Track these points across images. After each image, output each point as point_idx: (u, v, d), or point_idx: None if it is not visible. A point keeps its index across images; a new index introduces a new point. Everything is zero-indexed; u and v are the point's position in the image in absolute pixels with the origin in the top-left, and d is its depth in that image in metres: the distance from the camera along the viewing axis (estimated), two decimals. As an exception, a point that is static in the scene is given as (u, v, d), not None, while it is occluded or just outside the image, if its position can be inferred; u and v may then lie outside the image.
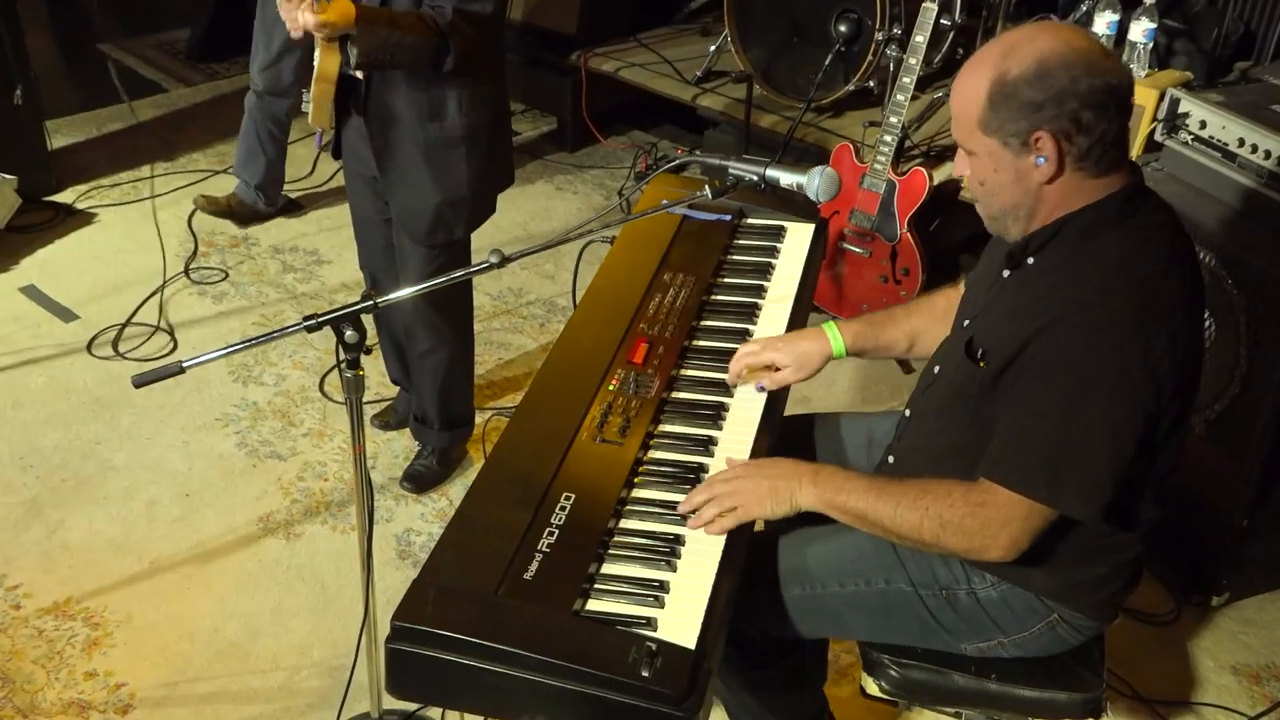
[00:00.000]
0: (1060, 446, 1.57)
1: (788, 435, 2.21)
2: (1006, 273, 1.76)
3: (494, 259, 1.70)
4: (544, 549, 1.58)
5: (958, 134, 1.65)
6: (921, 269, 3.43)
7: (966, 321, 1.82)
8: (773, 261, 2.38)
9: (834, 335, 2.04)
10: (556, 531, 1.61)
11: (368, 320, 3.55)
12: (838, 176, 1.82)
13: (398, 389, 3.28)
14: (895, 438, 1.99)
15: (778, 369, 2.01)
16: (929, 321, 2.04)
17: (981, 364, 1.70)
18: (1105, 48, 1.60)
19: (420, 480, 3.04)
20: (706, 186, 1.82)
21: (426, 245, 2.71)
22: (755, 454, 1.85)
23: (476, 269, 1.73)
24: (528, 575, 1.54)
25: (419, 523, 2.95)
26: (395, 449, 3.20)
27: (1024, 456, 1.60)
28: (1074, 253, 1.64)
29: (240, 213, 4.17)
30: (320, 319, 1.68)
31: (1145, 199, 1.66)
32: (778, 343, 2.03)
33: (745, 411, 1.94)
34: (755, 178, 1.84)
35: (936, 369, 1.89)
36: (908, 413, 1.96)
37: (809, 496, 1.71)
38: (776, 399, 2.01)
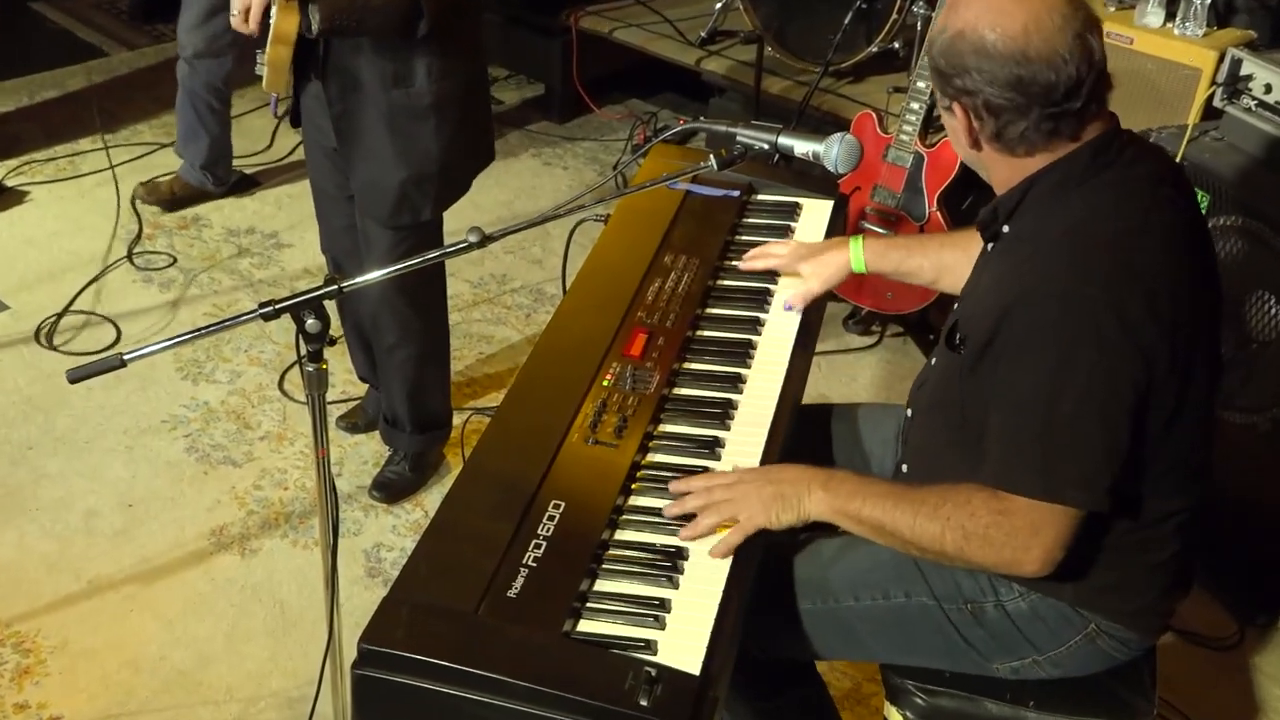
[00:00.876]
0: (1047, 437, 1.59)
1: (801, 427, 2.22)
2: (989, 246, 1.79)
3: (472, 238, 1.69)
4: (530, 563, 1.58)
5: None
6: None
7: (956, 305, 1.85)
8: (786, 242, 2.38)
9: (856, 247, 2.13)
10: (544, 544, 1.61)
11: (332, 310, 3.57)
12: (859, 144, 1.82)
13: (366, 387, 3.28)
14: (901, 440, 1.99)
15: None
16: (964, 257, 2.07)
17: (960, 351, 1.72)
18: (1066, 24, 1.59)
19: (391, 489, 3.05)
20: (711, 157, 1.82)
21: (390, 227, 2.71)
22: (767, 459, 1.85)
23: (453, 249, 1.73)
24: (512, 593, 1.54)
25: (390, 536, 2.95)
26: (363, 454, 3.20)
27: (1016, 455, 1.61)
28: (1043, 215, 1.67)
29: (184, 197, 4.15)
30: (279, 306, 1.68)
31: (1120, 150, 1.67)
32: (800, 249, 2.18)
33: (756, 410, 1.94)
34: (766, 146, 1.84)
35: (934, 360, 1.90)
36: (909, 411, 1.98)
37: (819, 504, 1.72)
38: (791, 395, 2.01)
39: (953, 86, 1.64)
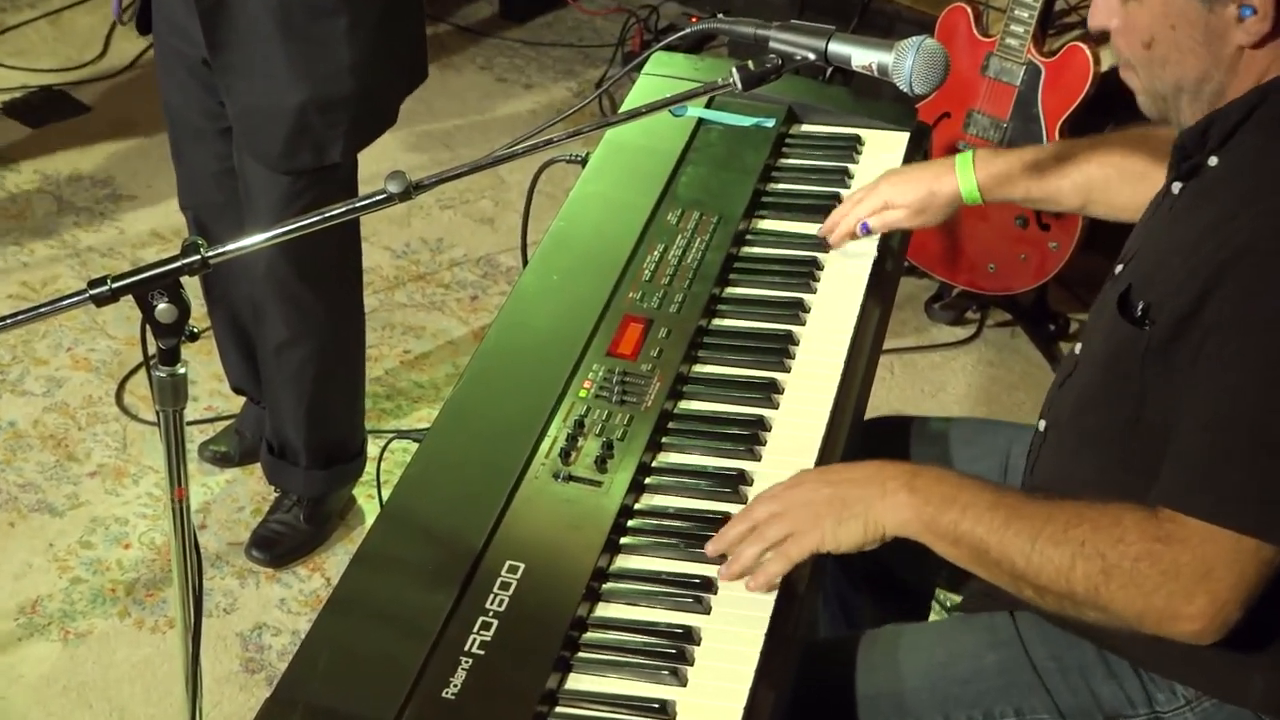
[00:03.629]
0: (1262, 447, 1.60)
1: (866, 451, 2.24)
2: (1177, 186, 1.80)
3: (392, 187, 1.70)
4: (475, 651, 1.58)
5: None
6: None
7: (1120, 267, 1.86)
8: (842, 193, 2.39)
9: (965, 172, 2.19)
10: (495, 623, 1.61)
11: (195, 289, 3.56)
12: (944, 53, 1.83)
13: (242, 402, 3.30)
14: (1027, 468, 2.01)
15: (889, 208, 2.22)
16: (1119, 174, 2.08)
17: (1146, 326, 1.73)
18: None
19: (278, 547, 3.06)
20: (734, 70, 1.83)
21: (284, 171, 2.73)
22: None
23: (365, 203, 1.74)
24: (449, 694, 1.54)
25: (277, 615, 2.96)
26: (239, 497, 3.22)
27: (1218, 468, 1.62)
28: (1275, 143, 1.68)
29: None
30: (116, 285, 1.69)
31: None
32: (893, 176, 2.27)
33: (798, 431, 1.96)
34: (812, 56, 1.86)
35: (1078, 348, 1.92)
36: (1042, 425, 1.99)
37: (899, 513, 1.72)
38: (849, 411, 2.03)
39: None
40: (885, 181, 2.26)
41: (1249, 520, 1.60)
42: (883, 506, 1.73)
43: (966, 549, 1.71)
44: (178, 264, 1.70)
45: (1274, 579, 1.64)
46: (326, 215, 1.77)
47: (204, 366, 3.45)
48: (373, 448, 3.16)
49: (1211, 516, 1.61)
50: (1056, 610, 1.73)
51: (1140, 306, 1.75)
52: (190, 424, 3.33)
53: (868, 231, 2.25)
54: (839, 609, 2.39)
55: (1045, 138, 3.45)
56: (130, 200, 4.05)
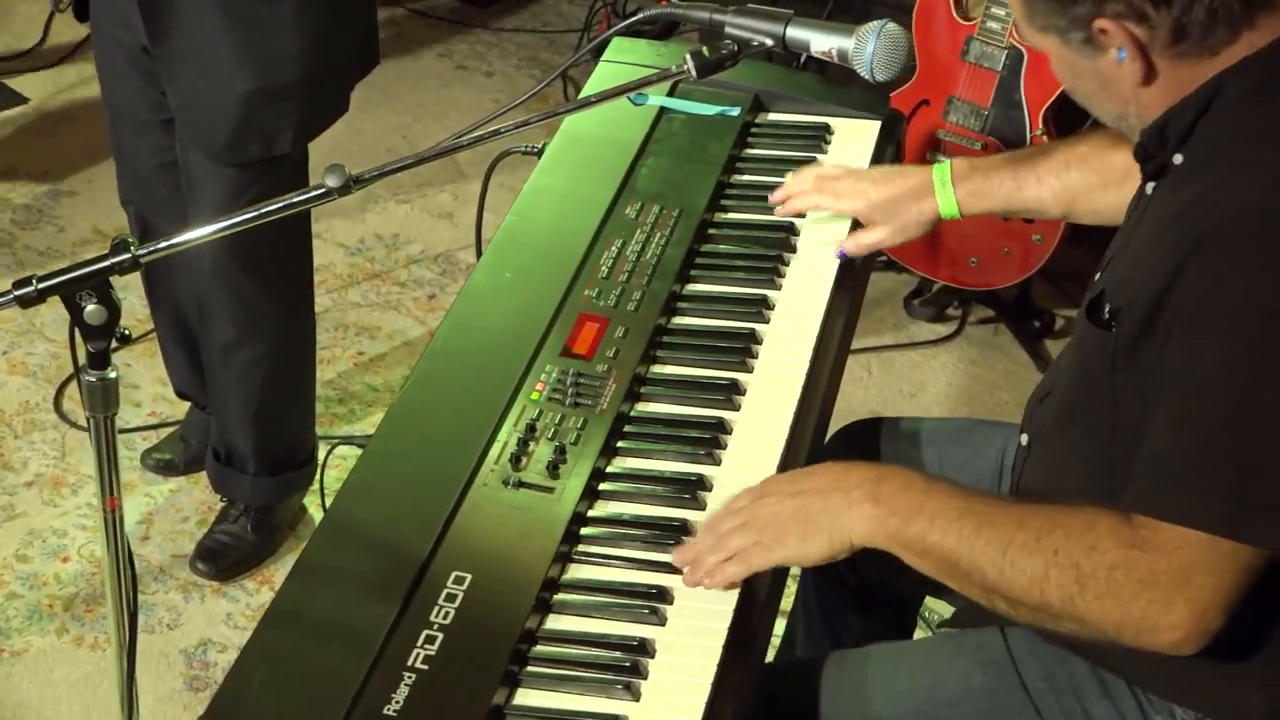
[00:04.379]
0: (1232, 441, 1.60)
1: (839, 454, 2.24)
2: (1150, 186, 1.82)
3: (330, 181, 1.70)
4: (419, 666, 1.58)
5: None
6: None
7: (1099, 274, 1.87)
8: (809, 185, 2.41)
9: (944, 186, 2.20)
10: (440, 637, 1.62)
11: (132, 289, 3.56)
12: (907, 39, 1.84)
13: (187, 407, 3.30)
14: (1013, 484, 2.02)
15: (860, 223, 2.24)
16: (1098, 179, 2.10)
17: (1113, 328, 1.74)
18: None
19: (225, 559, 3.06)
20: (688, 57, 1.84)
21: (230, 163, 2.73)
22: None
23: (303, 198, 1.74)
24: (391, 709, 1.54)
25: (224, 630, 2.96)
26: (183, 507, 3.21)
27: (1188, 468, 1.62)
28: (1232, 133, 1.69)
29: None
30: (42, 285, 1.69)
31: None
32: (867, 187, 2.26)
33: (760, 435, 1.96)
34: (770, 41, 1.86)
35: (1064, 360, 1.93)
36: (1024, 439, 1.99)
37: (865, 525, 1.73)
38: (814, 412, 2.03)
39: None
40: (853, 189, 2.26)
41: (1223, 522, 1.59)
42: (848, 518, 1.74)
43: (936, 560, 1.71)
44: (106, 263, 1.70)
45: (1260, 585, 1.63)
46: (263, 211, 1.77)
47: (148, 370, 3.44)
48: (323, 454, 3.15)
49: (1184, 519, 1.60)
50: (1032, 623, 1.74)
51: (1108, 310, 1.76)
52: (133, 430, 3.33)
53: (845, 257, 2.25)
54: (821, 623, 2.39)
55: (1028, 125, 3.46)
56: (71, 196, 4.05)
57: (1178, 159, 1.75)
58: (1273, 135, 1.67)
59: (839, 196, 2.27)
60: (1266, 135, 1.67)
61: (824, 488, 1.76)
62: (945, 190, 2.21)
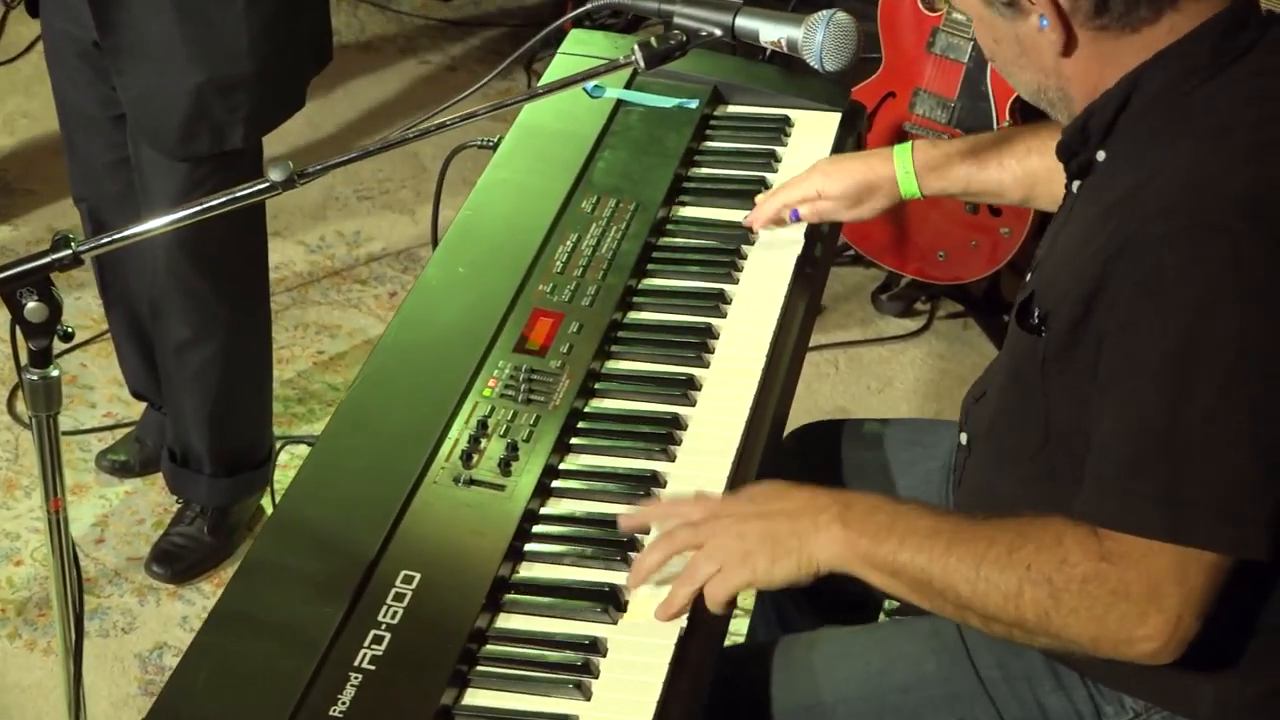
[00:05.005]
0: (1172, 447, 1.62)
1: (797, 456, 2.26)
2: (1076, 185, 1.84)
3: (274, 176, 1.72)
4: (365, 666, 1.60)
5: None
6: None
7: (1030, 275, 1.89)
8: (768, 177, 2.42)
9: (904, 162, 2.22)
10: (388, 636, 1.63)
11: (88, 288, 3.56)
12: (856, 28, 1.86)
13: (142, 408, 3.31)
14: (954, 482, 2.05)
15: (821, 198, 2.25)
16: (1059, 165, 2.13)
17: (1041, 334, 1.76)
18: None
19: (180, 561, 3.08)
20: (636, 48, 1.86)
21: (181, 158, 2.75)
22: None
23: (246, 192, 1.76)
24: (337, 710, 1.55)
25: (179, 633, 2.97)
26: (138, 508, 3.23)
27: (1127, 478, 1.64)
28: (1152, 130, 1.71)
29: None
30: (-24, 281, 1.70)
31: (1260, 29, 1.72)
32: (825, 164, 2.30)
33: (716, 430, 1.99)
34: (719, 31, 1.88)
35: (998, 362, 1.96)
36: (964, 438, 2.02)
37: (833, 547, 1.73)
38: (771, 407, 2.06)
39: None
40: (818, 170, 2.28)
41: (1169, 527, 1.61)
42: (816, 542, 1.73)
43: (907, 580, 1.72)
44: (45, 260, 1.71)
45: (1228, 585, 1.64)
46: (206, 205, 1.79)
47: (102, 370, 3.46)
48: (281, 454, 3.18)
49: (1131, 527, 1.62)
50: (1005, 638, 1.74)
51: (1037, 314, 1.77)
52: (88, 432, 3.35)
53: (797, 219, 2.28)
54: (776, 619, 2.41)
55: (995, 118, 3.49)
56: (26, 195, 4.05)
57: (1100, 155, 1.77)
58: (1190, 129, 1.69)
59: (799, 182, 2.29)
60: (1184, 130, 1.69)
61: (791, 510, 1.75)
62: (905, 166, 2.23)
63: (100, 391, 3.44)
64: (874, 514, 1.74)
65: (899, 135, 3.60)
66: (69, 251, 1.71)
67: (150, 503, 3.22)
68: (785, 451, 2.20)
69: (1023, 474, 1.84)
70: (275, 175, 1.73)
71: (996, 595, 1.67)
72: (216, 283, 2.90)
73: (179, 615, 3.01)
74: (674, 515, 1.80)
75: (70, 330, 1.76)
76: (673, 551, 1.76)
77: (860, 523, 1.73)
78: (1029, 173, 2.21)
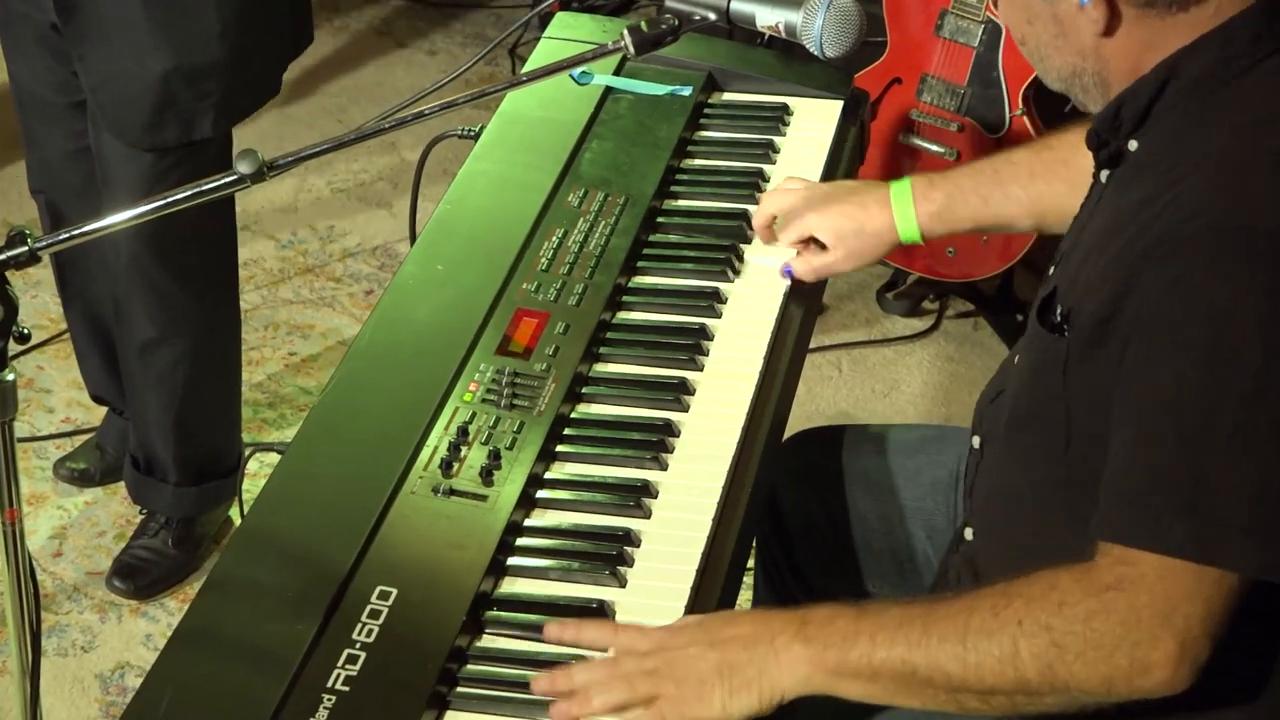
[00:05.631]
0: (1196, 459, 1.60)
1: (795, 464, 2.25)
2: (1104, 174, 1.84)
3: (242, 168, 1.70)
4: (339, 688, 1.59)
5: None
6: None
7: (1052, 269, 1.88)
8: (766, 169, 2.41)
9: (903, 207, 2.17)
10: (363, 656, 1.62)
11: (45, 285, 3.55)
12: (859, 11, 1.85)
13: (103, 412, 3.30)
14: (965, 488, 2.04)
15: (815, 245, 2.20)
16: (1066, 187, 2.09)
17: (1064, 333, 1.75)
18: None
19: (144, 576, 3.06)
20: (625, 32, 1.85)
21: (147, 148, 2.73)
22: (727, 520, 1.87)
23: (213, 185, 1.74)
24: (308, 736, 1.56)
25: (143, 652, 2.96)
26: (99, 520, 3.21)
27: (1147, 491, 1.62)
28: (1187, 121, 1.71)
29: None
30: (-75, 281, 1.68)
31: None
32: (820, 201, 2.22)
33: (710, 438, 1.97)
34: (713, 15, 1.87)
35: (1017, 358, 1.94)
36: (976, 442, 2.00)
37: (797, 668, 1.68)
38: (769, 413, 2.05)
39: None
40: (811, 210, 2.22)
41: (1193, 544, 1.59)
42: (777, 668, 1.68)
43: (889, 679, 1.67)
44: (4, 254, 1.69)
45: (1241, 610, 1.63)
46: (170, 199, 1.77)
47: (61, 373, 3.44)
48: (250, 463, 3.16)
49: (1150, 543, 1.60)
50: (1010, 711, 1.70)
51: (1060, 312, 1.77)
52: (45, 438, 3.33)
53: (791, 276, 2.22)
54: None
55: (1007, 105, 3.48)
56: (-22, 187, 4.05)
57: (1133, 145, 1.76)
58: (1226, 123, 1.68)
59: (802, 207, 2.23)
60: (1220, 123, 1.69)
61: (745, 637, 1.70)
62: (905, 210, 2.18)
63: (58, 395, 3.42)
64: (834, 621, 1.69)
65: (905, 124, 3.59)
66: (25, 248, 1.68)
67: (111, 513, 3.21)
68: (782, 460, 2.18)
69: (1042, 480, 1.82)
70: (244, 167, 1.71)
71: (991, 662, 1.64)
72: (183, 279, 2.89)
73: (142, 633, 2.99)
74: (617, 642, 1.72)
75: (27, 331, 1.74)
76: (620, 676, 1.67)
77: (822, 634, 1.68)
78: (1037, 198, 2.18)
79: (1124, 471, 1.64)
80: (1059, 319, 1.77)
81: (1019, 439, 1.88)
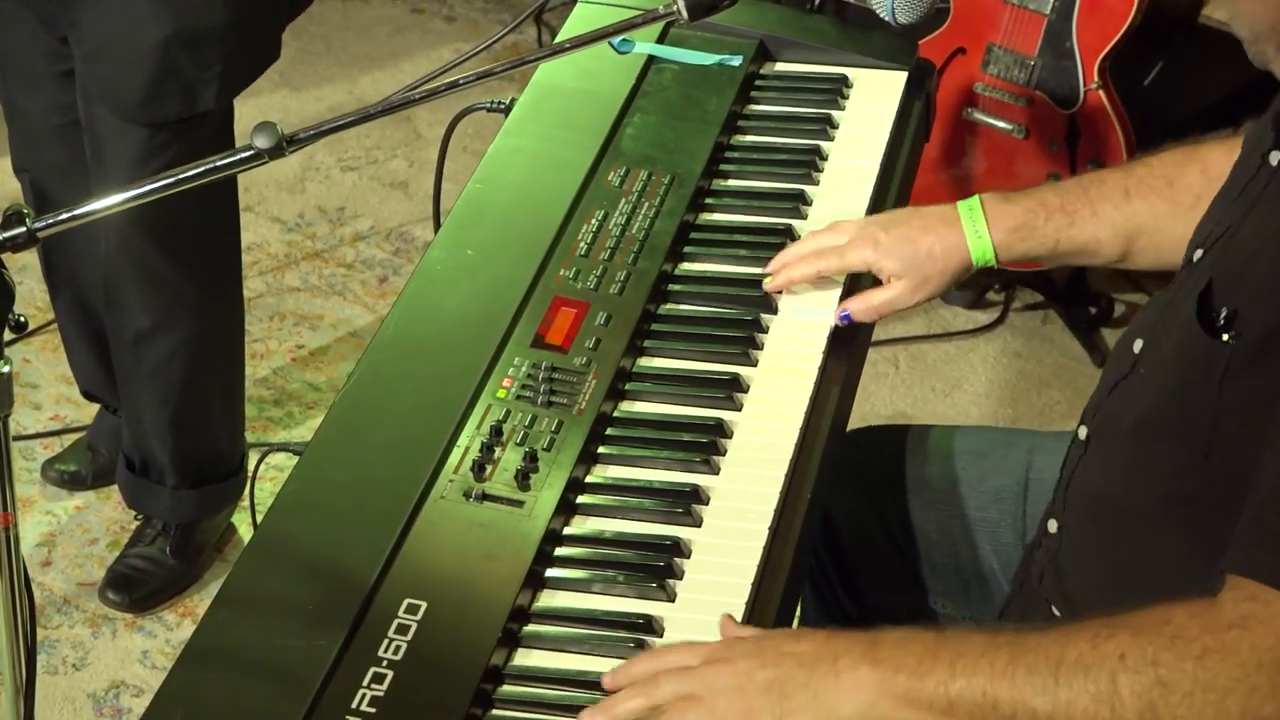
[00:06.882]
0: None
1: (851, 469, 2.23)
2: (1276, 157, 1.79)
3: (260, 142, 1.71)
4: (364, 709, 1.59)
5: None
6: (1126, 159, 3.47)
7: (1200, 252, 1.84)
8: (824, 145, 2.41)
9: (974, 223, 2.11)
10: (390, 675, 1.62)
11: (29, 271, 3.55)
12: (936, -24, 1.85)
13: (95, 409, 3.32)
14: (1060, 484, 2.02)
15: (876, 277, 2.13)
16: (1167, 207, 2.07)
17: (1228, 337, 1.73)
18: None
19: (139, 587, 3.08)
20: (679, -1, 1.84)
21: (145, 122, 2.75)
22: (784, 529, 1.87)
23: (226, 162, 1.75)
24: (332, 761, 1.56)
25: (139, 670, 2.98)
26: (92, 526, 3.23)
27: None
28: None
29: None
30: (-84, 267, 1.69)
31: None
32: (876, 230, 2.15)
33: (765, 440, 1.97)
34: (774, -21, 1.87)
35: (1139, 345, 1.91)
36: (1083, 433, 1.98)
37: (862, 692, 1.63)
38: (829, 413, 2.05)
39: None
40: (866, 238, 2.15)
41: None
42: (837, 692, 1.63)
43: (966, 713, 1.62)
44: (-3, 236, 1.70)
45: None
46: (180, 177, 1.77)
47: (49, 367, 3.46)
48: (254, 463, 3.16)
49: None
50: None
51: (1223, 314, 1.73)
52: (32, 438, 3.35)
53: (849, 321, 2.17)
54: None
55: (1081, 78, 3.48)
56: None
57: None
58: None
59: (843, 253, 2.16)
60: None
61: (805, 655, 1.66)
62: (976, 228, 2.12)
63: (46, 391, 3.43)
64: (909, 644, 1.65)
65: (969, 98, 3.59)
66: (23, 229, 1.69)
67: (104, 519, 3.22)
68: (836, 460, 2.17)
69: (1159, 494, 1.80)
70: (261, 142, 1.71)
71: (1085, 700, 1.59)
72: (180, 264, 2.91)
73: (138, 649, 3.01)
74: (666, 662, 1.70)
75: (23, 319, 1.75)
76: (656, 702, 1.65)
77: (894, 657, 1.64)
78: (1131, 218, 2.12)
79: (1268, 503, 1.61)
80: (1222, 321, 1.73)
81: (1145, 445, 1.85)
